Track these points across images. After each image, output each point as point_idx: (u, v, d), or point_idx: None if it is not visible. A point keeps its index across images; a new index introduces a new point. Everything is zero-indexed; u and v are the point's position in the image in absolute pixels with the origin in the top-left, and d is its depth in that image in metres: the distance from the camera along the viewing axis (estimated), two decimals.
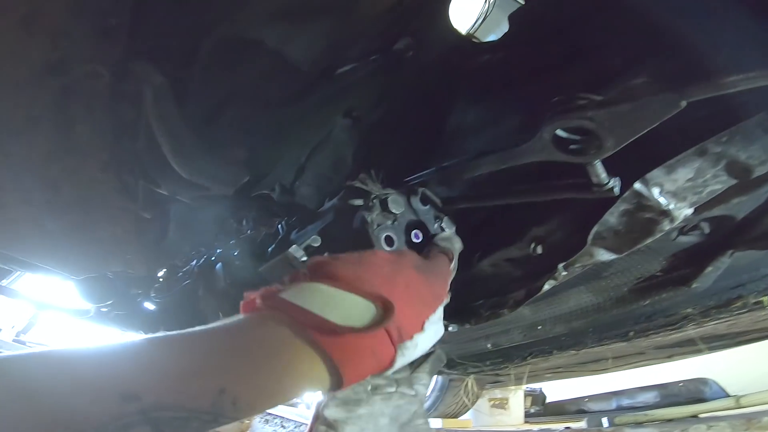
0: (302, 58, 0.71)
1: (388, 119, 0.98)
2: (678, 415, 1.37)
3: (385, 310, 0.39)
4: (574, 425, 1.44)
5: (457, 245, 0.59)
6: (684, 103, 0.46)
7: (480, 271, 0.78)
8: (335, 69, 0.86)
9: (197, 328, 0.33)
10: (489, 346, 0.99)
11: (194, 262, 1.22)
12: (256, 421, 2.59)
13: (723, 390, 1.71)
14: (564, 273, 0.69)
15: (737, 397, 1.29)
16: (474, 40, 1.23)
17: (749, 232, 0.67)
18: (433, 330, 0.47)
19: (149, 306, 1.41)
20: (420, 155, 0.83)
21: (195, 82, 0.58)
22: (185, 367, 0.29)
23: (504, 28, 0.78)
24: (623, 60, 0.54)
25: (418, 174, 0.73)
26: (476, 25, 1.85)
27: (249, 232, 0.97)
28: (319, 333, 0.35)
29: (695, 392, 1.76)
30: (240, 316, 0.37)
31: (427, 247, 0.57)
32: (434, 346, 0.58)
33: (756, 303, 0.82)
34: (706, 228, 0.68)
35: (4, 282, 2.17)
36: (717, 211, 0.64)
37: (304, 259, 0.56)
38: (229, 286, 0.95)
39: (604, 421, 1.52)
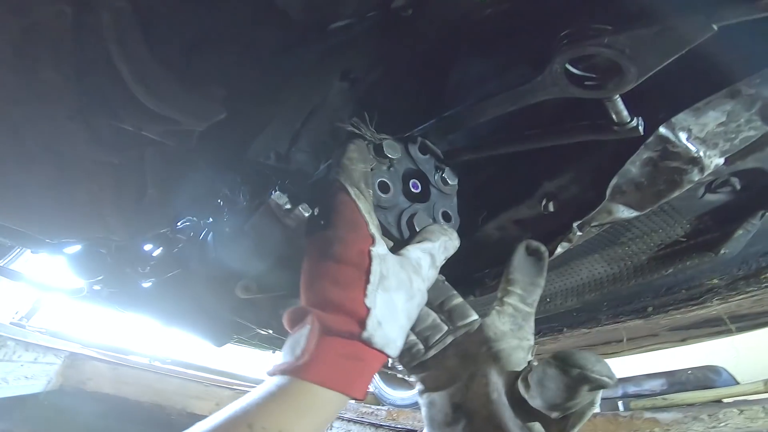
0: (289, 3, 0.64)
1: (387, 80, 0.92)
2: (700, 399, 1.31)
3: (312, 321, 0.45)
4: None
5: (440, 237, 0.54)
6: (715, 27, 0.39)
7: (485, 236, 0.71)
8: (328, 23, 0.81)
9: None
10: None
11: (186, 237, 1.18)
12: None
13: (734, 378, 1.64)
14: (579, 234, 0.62)
15: (765, 381, 1.21)
16: None
17: None
18: (390, 297, 0.46)
19: (144, 285, 1.38)
20: (420, 112, 0.77)
21: (166, 12, 0.52)
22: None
23: None
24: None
25: (417, 128, 0.67)
26: None
27: (244, 204, 0.92)
28: (287, 369, 0.43)
29: (704, 380, 1.69)
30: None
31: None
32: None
33: None
34: (736, 184, 0.61)
35: (2, 262, 2.15)
36: (750, 163, 0.57)
37: (288, 206, 0.50)
38: (218, 255, 0.90)
39: (620, 405, 1.46)
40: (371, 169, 0.51)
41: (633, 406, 1.29)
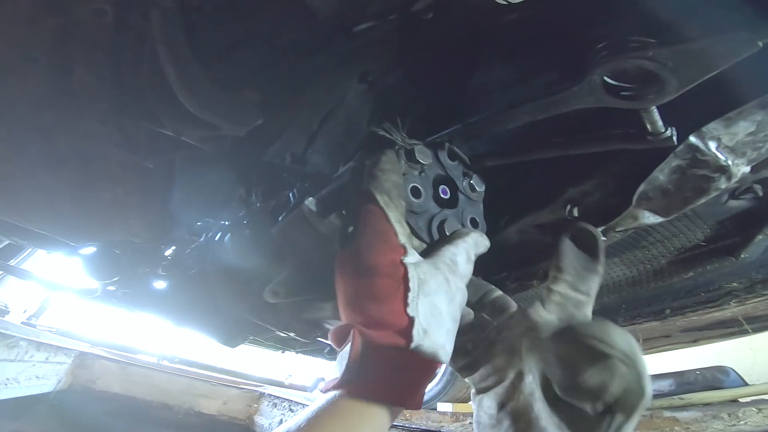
0: (321, 6, 0.65)
1: (405, 82, 0.93)
2: (717, 399, 1.31)
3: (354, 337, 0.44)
4: None
5: (473, 240, 0.53)
6: (761, 44, 0.40)
7: (506, 239, 0.72)
8: (352, 26, 0.81)
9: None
10: None
11: (202, 237, 1.19)
12: (264, 405, 2.58)
13: (741, 378, 1.64)
14: (603, 239, 0.63)
15: None
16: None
17: None
18: (432, 301, 0.46)
19: (158, 285, 1.38)
20: (440, 116, 0.77)
21: (208, 13, 0.52)
22: None
23: None
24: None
25: (442, 132, 0.67)
26: None
27: (258, 204, 0.93)
28: (336, 386, 0.44)
29: (712, 381, 1.69)
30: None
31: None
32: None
33: None
34: (759, 191, 0.62)
35: (13, 262, 2.16)
36: None
37: (323, 214, 0.51)
38: (237, 257, 0.90)
39: None
40: (403, 174, 0.51)
41: (653, 405, 1.30)
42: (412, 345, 0.43)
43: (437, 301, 0.46)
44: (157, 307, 1.51)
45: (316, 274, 0.58)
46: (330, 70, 0.85)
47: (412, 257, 0.47)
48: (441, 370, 2.03)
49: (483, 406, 0.49)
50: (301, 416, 0.42)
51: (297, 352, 1.75)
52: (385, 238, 0.47)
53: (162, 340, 3.33)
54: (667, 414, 1.03)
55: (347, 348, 0.44)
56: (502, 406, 0.47)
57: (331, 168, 0.94)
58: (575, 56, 0.50)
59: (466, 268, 0.51)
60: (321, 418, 0.41)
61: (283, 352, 1.79)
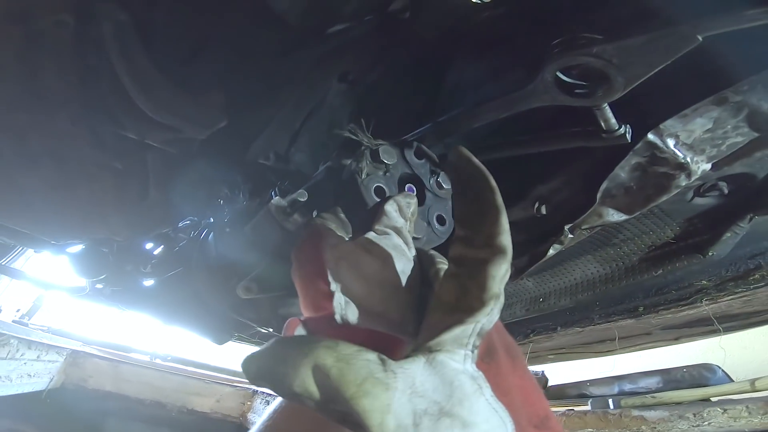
0: (288, 10, 0.65)
1: (385, 82, 0.94)
2: (688, 398, 1.33)
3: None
4: (576, 409, 1.40)
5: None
6: (700, 38, 0.41)
7: None
8: (326, 27, 0.82)
9: None
10: None
11: (187, 236, 1.20)
12: (258, 402, 2.59)
13: (728, 376, 1.66)
14: (570, 236, 0.64)
15: (752, 380, 1.23)
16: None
17: None
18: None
19: (146, 284, 1.39)
20: (416, 115, 0.78)
21: (165, 22, 0.53)
22: None
23: None
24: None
25: (414, 132, 0.68)
26: None
27: (244, 203, 0.94)
28: None
29: (699, 378, 1.71)
30: None
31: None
32: None
33: None
34: (724, 188, 0.63)
35: (4, 261, 2.17)
36: (737, 168, 0.59)
37: (290, 212, 0.52)
38: (219, 255, 0.91)
39: (610, 402, 1.49)
40: (367, 175, 0.52)
41: (623, 404, 1.32)
42: (336, 316, 0.42)
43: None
44: (146, 305, 1.52)
45: (287, 270, 0.59)
46: (308, 70, 0.86)
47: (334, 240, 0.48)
48: None
49: None
50: (270, 407, 0.43)
51: None
52: (316, 232, 0.49)
53: (154, 339, 3.33)
54: (636, 413, 1.05)
55: None
56: None
57: (313, 166, 0.95)
58: (539, 53, 0.51)
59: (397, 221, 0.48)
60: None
61: None
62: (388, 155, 0.54)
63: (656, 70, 0.43)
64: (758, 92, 0.48)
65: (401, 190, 0.55)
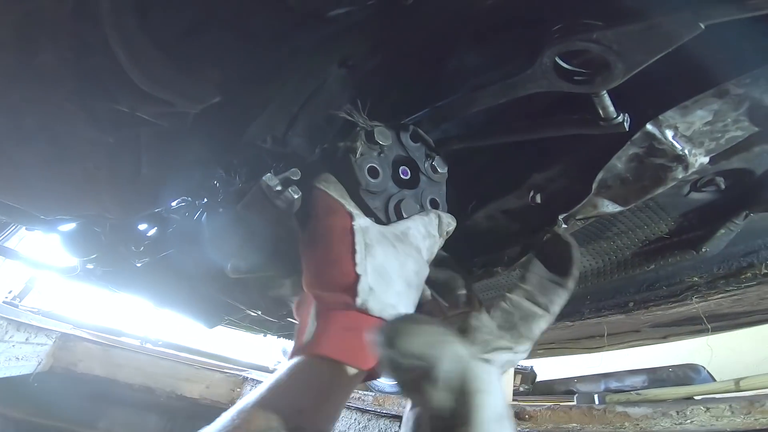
0: None
1: (385, 67, 0.93)
2: (672, 396, 1.34)
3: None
4: (562, 404, 1.41)
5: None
6: (702, 26, 0.40)
7: (474, 225, 0.73)
8: (327, 10, 0.81)
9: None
10: None
11: (181, 217, 1.19)
12: (248, 389, 2.59)
13: (712, 377, 1.68)
14: (564, 226, 0.63)
15: (737, 380, 1.25)
16: None
17: None
18: (379, 263, 0.47)
19: (138, 265, 1.38)
20: (416, 100, 0.78)
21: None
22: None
23: None
24: None
25: (411, 116, 0.67)
26: None
27: (240, 186, 0.93)
28: (296, 350, 0.46)
29: (684, 378, 1.73)
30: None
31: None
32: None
33: (765, 274, 0.77)
34: (722, 183, 0.62)
35: None
36: (735, 163, 0.59)
37: (279, 188, 0.51)
38: (211, 236, 0.91)
39: (596, 398, 1.50)
40: (361, 155, 0.52)
41: (608, 400, 1.33)
42: (358, 300, 0.44)
43: (385, 264, 0.47)
44: (137, 286, 1.51)
45: (276, 249, 0.58)
46: (308, 54, 0.85)
47: (361, 220, 0.50)
48: None
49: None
50: (265, 384, 0.43)
51: (278, 336, 1.76)
52: (332, 210, 0.51)
53: (146, 323, 3.32)
54: (620, 409, 1.06)
55: (305, 315, 0.47)
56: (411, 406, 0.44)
57: (310, 151, 0.94)
58: (538, 40, 0.51)
59: (422, 241, 0.53)
60: (284, 383, 0.43)
61: (265, 336, 1.80)
62: (383, 136, 0.54)
63: (657, 57, 0.43)
64: (761, 86, 0.47)
65: (395, 172, 0.55)
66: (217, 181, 0.96)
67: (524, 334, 0.49)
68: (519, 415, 1.15)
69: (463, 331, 0.50)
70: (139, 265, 1.36)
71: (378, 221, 0.51)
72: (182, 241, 1.13)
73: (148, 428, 2.81)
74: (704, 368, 1.64)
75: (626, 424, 1.02)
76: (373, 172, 0.52)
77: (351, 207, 0.51)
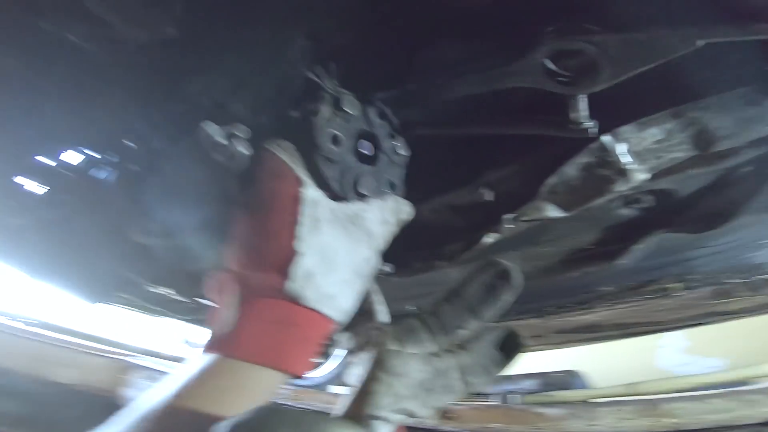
0: None
1: (356, 46, 0.87)
2: (573, 399, 1.47)
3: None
4: (481, 403, 1.47)
5: None
6: (699, 43, 0.41)
7: (418, 217, 0.70)
8: None
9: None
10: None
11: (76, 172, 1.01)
12: (135, 376, 2.34)
13: (586, 382, 1.88)
14: (508, 226, 0.64)
15: (634, 384, 1.40)
16: None
17: (687, 213, 0.67)
18: (324, 243, 0.42)
19: (12, 226, 1.16)
20: (387, 79, 0.74)
21: None
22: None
23: None
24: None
25: (379, 94, 0.63)
26: None
27: (158, 147, 0.81)
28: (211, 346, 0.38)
29: (565, 383, 1.92)
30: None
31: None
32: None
33: (664, 289, 0.85)
34: (651, 201, 0.67)
35: None
36: (666, 183, 0.63)
37: (225, 143, 0.44)
38: (117, 195, 0.78)
39: (508, 398, 1.59)
40: (327, 120, 0.47)
41: (525, 401, 1.42)
42: (289, 285, 0.38)
43: (332, 245, 0.42)
44: (9, 253, 1.26)
45: (202, 213, 0.50)
46: (272, 20, 0.76)
47: (312, 190, 0.44)
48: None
49: None
50: (176, 381, 0.36)
51: (186, 321, 1.59)
52: (279, 173, 0.44)
53: (18, 299, 2.84)
54: (537, 410, 1.13)
55: (224, 300, 0.39)
56: None
57: (252, 120, 0.85)
58: (526, 41, 0.49)
59: (377, 228, 0.48)
60: (198, 383, 0.35)
61: (162, 318, 1.62)
62: (351, 105, 0.49)
63: (645, 68, 0.43)
64: (711, 111, 0.50)
65: (355, 144, 0.51)
66: (132, 137, 0.83)
67: (432, 405, 0.38)
68: (444, 415, 1.16)
69: (379, 364, 0.37)
70: (14, 227, 1.14)
71: (331, 196, 0.46)
72: (75, 201, 0.96)
73: (4, 416, 2.40)
74: (579, 374, 1.83)
75: (540, 424, 1.08)
76: (336, 140, 0.47)
77: (302, 174, 0.44)
